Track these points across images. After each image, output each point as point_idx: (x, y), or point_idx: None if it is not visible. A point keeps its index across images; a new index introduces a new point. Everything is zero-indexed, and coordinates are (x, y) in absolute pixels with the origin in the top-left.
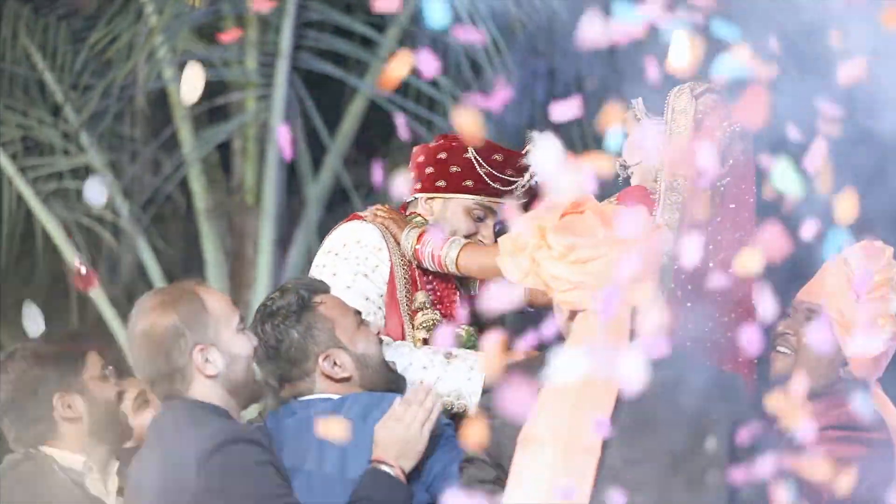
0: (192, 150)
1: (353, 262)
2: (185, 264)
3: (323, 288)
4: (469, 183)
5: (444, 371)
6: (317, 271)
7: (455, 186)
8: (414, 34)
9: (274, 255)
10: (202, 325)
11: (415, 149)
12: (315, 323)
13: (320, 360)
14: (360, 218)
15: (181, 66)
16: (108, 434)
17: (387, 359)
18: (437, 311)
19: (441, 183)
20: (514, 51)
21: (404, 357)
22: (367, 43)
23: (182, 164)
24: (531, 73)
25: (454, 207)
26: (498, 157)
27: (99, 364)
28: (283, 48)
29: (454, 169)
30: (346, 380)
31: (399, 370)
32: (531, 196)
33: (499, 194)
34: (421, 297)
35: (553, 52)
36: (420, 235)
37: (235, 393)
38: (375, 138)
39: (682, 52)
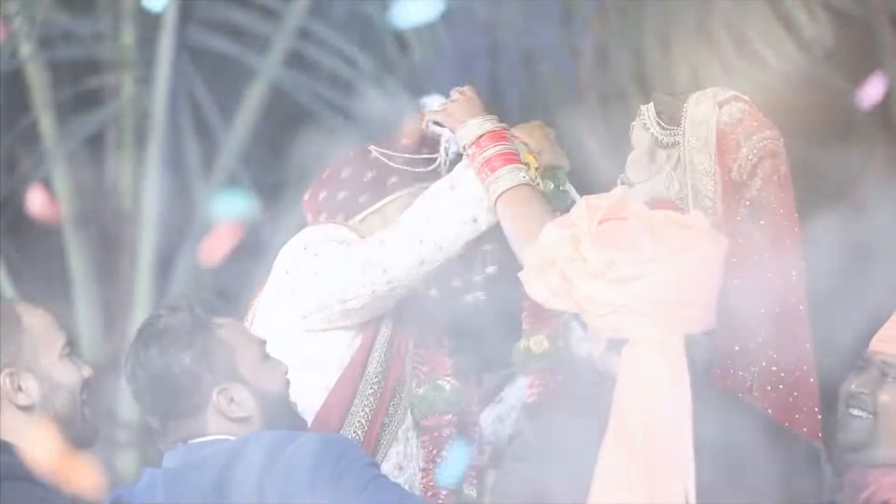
0: (56, 145)
1: (327, 241)
2: (46, 282)
3: (224, 309)
4: (394, 180)
5: (433, 212)
6: (287, 278)
7: (380, 192)
8: (325, 3)
9: (155, 272)
10: (14, 346)
11: (311, 189)
12: (212, 348)
13: (214, 393)
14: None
15: (41, 42)
16: None
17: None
18: None
19: (364, 197)
20: (448, 23)
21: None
22: (269, 14)
23: (43, 162)
24: (469, 51)
25: (393, 214)
26: (406, 140)
27: None
28: (167, 20)
29: (369, 176)
30: (244, 420)
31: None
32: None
33: (429, 177)
34: None
35: (496, 24)
36: (485, 136)
37: (56, 430)
38: (280, 130)
39: None
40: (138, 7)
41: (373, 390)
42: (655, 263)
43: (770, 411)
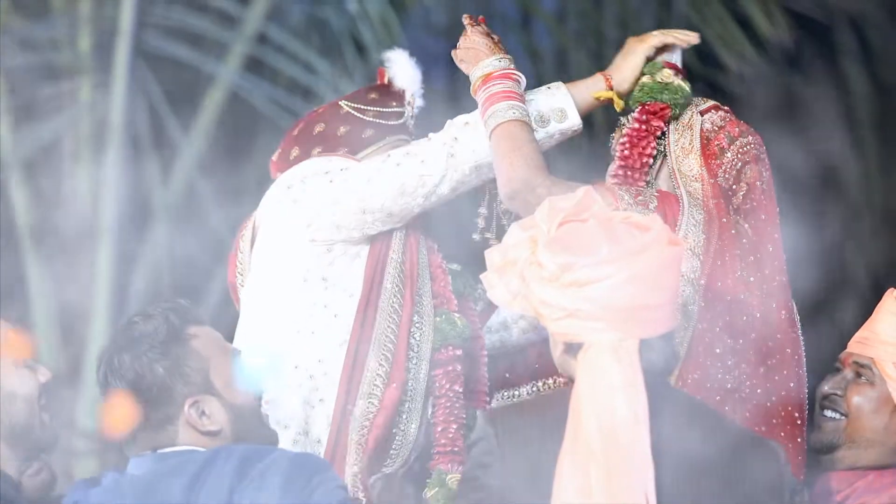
0: (12, 152)
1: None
2: (4, 291)
3: (198, 318)
4: (369, 132)
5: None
6: (289, 191)
7: (357, 145)
8: (283, 8)
9: (114, 283)
10: None
11: (279, 149)
12: (186, 359)
13: (186, 405)
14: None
15: None
16: None
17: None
18: None
19: (341, 151)
20: (407, 27)
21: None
22: (226, 19)
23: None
24: (428, 55)
25: None
26: (373, 95)
27: None
28: (125, 25)
29: (343, 130)
30: (214, 433)
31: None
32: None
33: (400, 130)
34: None
35: (455, 29)
36: (492, 74)
37: (12, 439)
38: (238, 136)
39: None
40: (94, 12)
41: (394, 309)
42: (611, 266)
43: (748, 414)
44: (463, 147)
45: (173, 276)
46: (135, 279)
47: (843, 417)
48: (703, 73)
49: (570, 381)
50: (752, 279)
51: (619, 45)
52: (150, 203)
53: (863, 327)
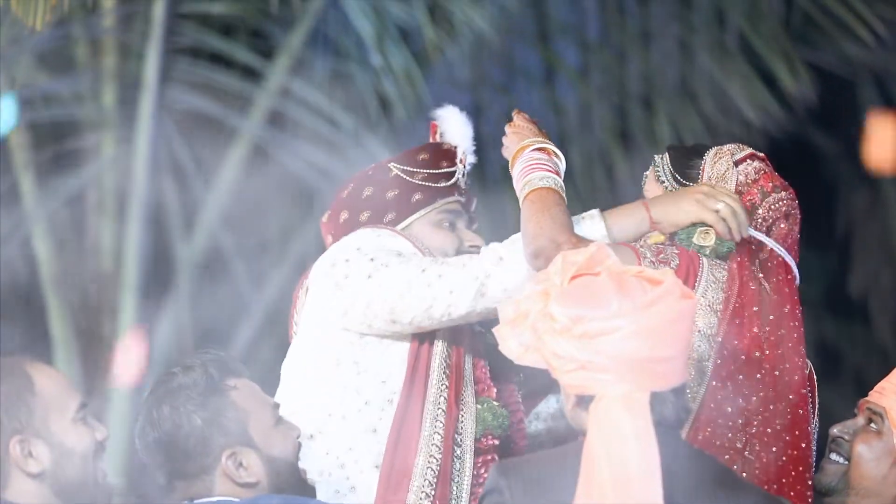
0: (37, 205)
1: (385, 251)
2: (27, 346)
3: (237, 370)
4: (418, 196)
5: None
6: (328, 282)
7: (406, 210)
8: (307, 62)
9: (138, 339)
10: (26, 411)
11: (330, 210)
12: (224, 411)
13: (224, 457)
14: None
15: (23, 102)
16: None
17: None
18: None
19: (389, 216)
20: (430, 82)
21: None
22: (250, 74)
23: (23, 222)
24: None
25: (420, 231)
26: (424, 156)
27: None
28: (149, 79)
29: (391, 194)
30: (251, 485)
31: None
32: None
33: (451, 192)
34: None
35: (479, 83)
36: (530, 147)
37: (66, 496)
38: (261, 190)
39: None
40: (119, 67)
41: (441, 408)
42: (621, 319)
43: (758, 472)
44: (494, 285)
45: (196, 332)
46: (158, 336)
47: (845, 462)
48: (727, 127)
49: (583, 435)
50: (771, 338)
51: (642, 100)
52: (173, 258)
53: (886, 378)
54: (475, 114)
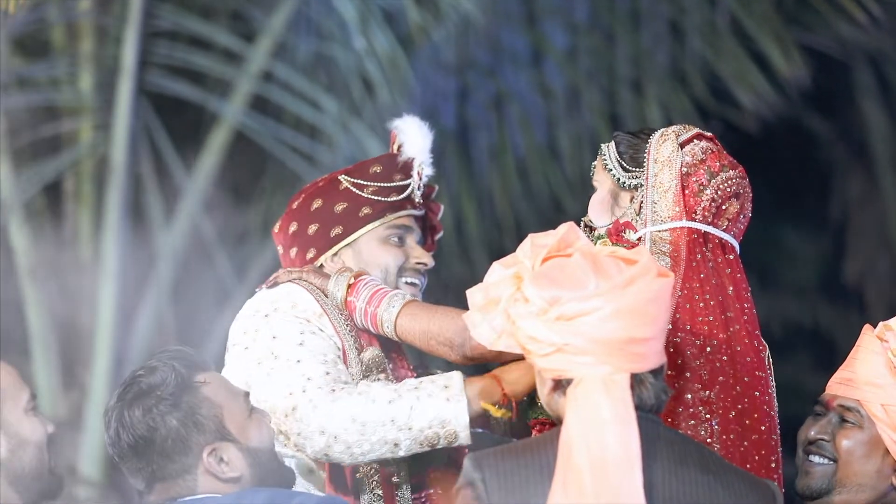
0: (13, 193)
1: (295, 322)
2: (4, 336)
3: (203, 363)
4: (366, 211)
5: (416, 400)
6: (242, 339)
7: (353, 224)
8: (289, 45)
9: (117, 325)
10: None
11: (280, 221)
12: (198, 408)
13: (205, 454)
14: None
15: None
16: None
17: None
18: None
19: (336, 230)
20: (415, 64)
21: (362, 396)
22: (231, 57)
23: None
24: (438, 93)
25: (367, 246)
26: (376, 168)
27: None
28: (127, 64)
29: (340, 207)
30: (234, 480)
31: (360, 410)
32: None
33: (403, 206)
34: (370, 353)
35: (466, 66)
36: (352, 286)
37: (21, 486)
38: (243, 176)
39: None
40: (96, 51)
41: None
42: (599, 299)
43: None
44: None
45: (177, 318)
46: (138, 322)
47: (831, 462)
48: (719, 110)
49: (559, 422)
50: (717, 322)
51: (631, 83)
52: (154, 244)
53: (842, 367)
54: (461, 97)
